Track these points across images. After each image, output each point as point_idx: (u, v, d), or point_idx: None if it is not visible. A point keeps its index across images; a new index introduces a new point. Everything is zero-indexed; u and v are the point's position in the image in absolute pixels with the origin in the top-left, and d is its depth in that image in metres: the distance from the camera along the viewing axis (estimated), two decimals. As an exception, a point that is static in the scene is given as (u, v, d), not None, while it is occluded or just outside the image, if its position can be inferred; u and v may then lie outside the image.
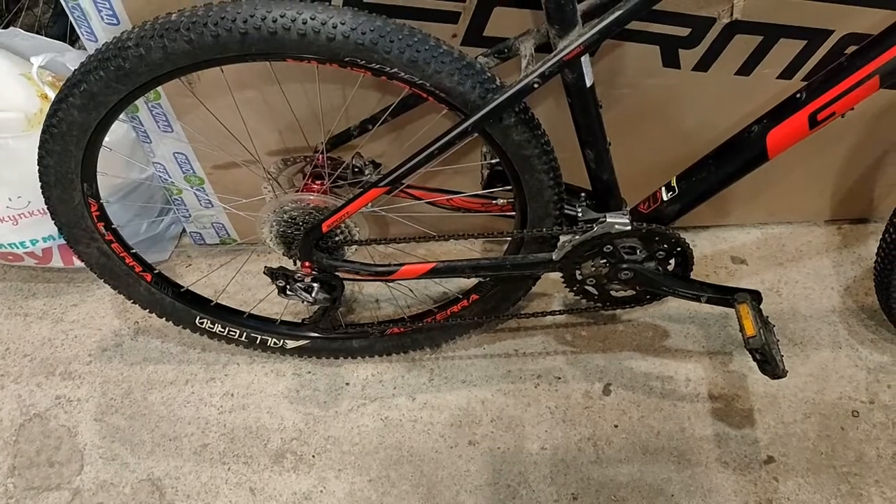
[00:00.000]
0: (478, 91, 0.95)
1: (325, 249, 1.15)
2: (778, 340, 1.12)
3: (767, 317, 1.14)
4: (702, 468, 1.26)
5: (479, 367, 1.40)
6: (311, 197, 1.12)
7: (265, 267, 1.19)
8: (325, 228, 1.08)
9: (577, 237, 1.11)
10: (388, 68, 0.92)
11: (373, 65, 0.92)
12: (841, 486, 1.23)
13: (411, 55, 0.91)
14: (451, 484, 1.25)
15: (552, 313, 1.38)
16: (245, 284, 1.53)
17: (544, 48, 0.98)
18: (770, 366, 1.08)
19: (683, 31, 1.16)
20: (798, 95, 0.97)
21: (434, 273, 1.16)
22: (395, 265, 1.16)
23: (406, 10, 1.11)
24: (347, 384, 1.39)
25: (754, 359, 1.10)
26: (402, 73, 0.93)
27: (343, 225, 1.14)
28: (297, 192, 1.15)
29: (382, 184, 1.01)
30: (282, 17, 0.88)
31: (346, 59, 0.91)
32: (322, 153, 1.15)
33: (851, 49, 1.16)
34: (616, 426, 1.32)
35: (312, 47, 0.90)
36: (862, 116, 1.35)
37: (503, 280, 1.26)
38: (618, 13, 0.88)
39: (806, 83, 1.02)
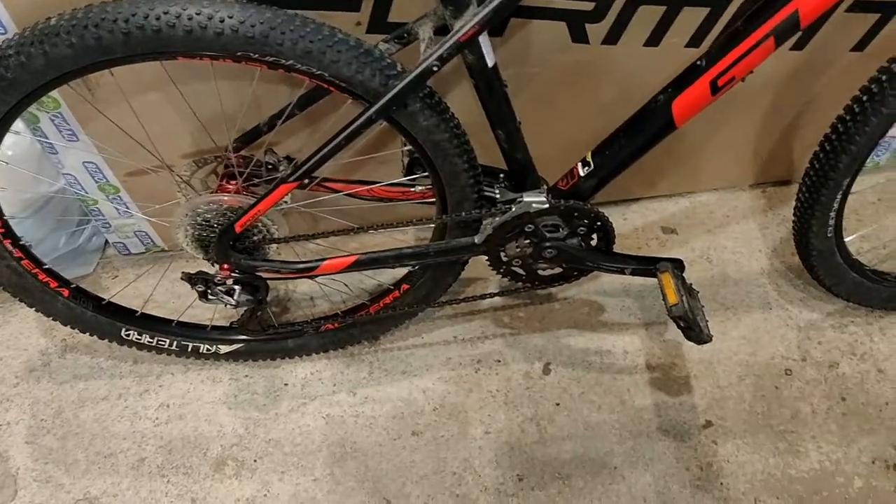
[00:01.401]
0: (378, 78, 0.93)
1: (243, 250, 1.13)
2: (703, 306, 1.13)
3: (691, 284, 1.15)
4: (643, 438, 1.27)
5: (419, 357, 1.40)
6: (224, 197, 1.10)
7: (182, 272, 1.15)
8: (238, 228, 1.05)
9: (496, 219, 1.10)
10: (284, 60, 0.90)
11: (267, 58, 0.90)
12: (779, 444, 1.26)
13: (305, 46, 0.89)
14: (396, 476, 1.24)
15: (487, 296, 1.37)
16: (175, 292, 1.50)
17: (444, 31, 0.97)
18: (694, 332, 1.09)
19: (588, 6, 1.16)
20: (699, 62, 0.98)
21: (357, 266, 1.14)
22: (316, 261, 1.14)
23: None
24: (286, 385, 1.37)
25: (678, 326, 1.11)
26: (299, 65, 0.90)
27: (260, 223, 1.12)
28: (210, 193, 1.12)
29: (291, 179, 0.99)
30: (165, 14, 0.85)
31: (239, 53, 0.89)
32: (232, 152, 1.13)
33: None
34: (557, 404, 1.32)
35: (201, 43, 0.87)
36: (772, 80, 1.37)
37: (431, 267, 1.25)
38: (510, -10, 0.88)
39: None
